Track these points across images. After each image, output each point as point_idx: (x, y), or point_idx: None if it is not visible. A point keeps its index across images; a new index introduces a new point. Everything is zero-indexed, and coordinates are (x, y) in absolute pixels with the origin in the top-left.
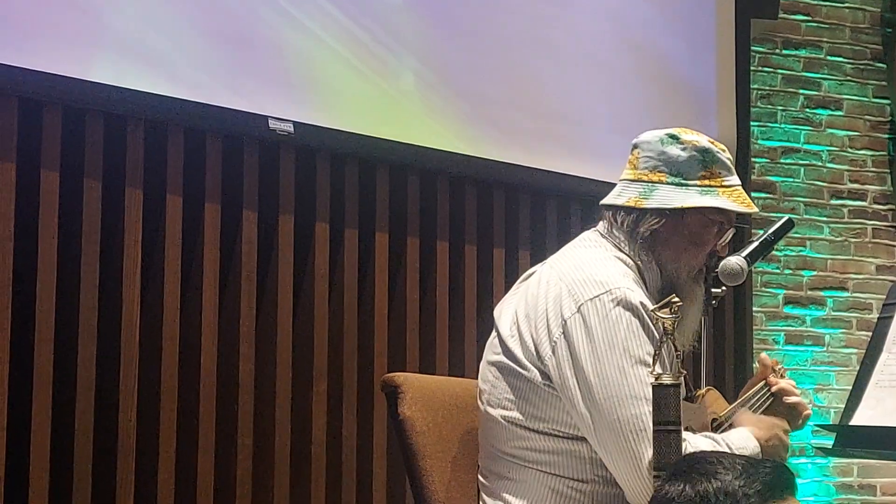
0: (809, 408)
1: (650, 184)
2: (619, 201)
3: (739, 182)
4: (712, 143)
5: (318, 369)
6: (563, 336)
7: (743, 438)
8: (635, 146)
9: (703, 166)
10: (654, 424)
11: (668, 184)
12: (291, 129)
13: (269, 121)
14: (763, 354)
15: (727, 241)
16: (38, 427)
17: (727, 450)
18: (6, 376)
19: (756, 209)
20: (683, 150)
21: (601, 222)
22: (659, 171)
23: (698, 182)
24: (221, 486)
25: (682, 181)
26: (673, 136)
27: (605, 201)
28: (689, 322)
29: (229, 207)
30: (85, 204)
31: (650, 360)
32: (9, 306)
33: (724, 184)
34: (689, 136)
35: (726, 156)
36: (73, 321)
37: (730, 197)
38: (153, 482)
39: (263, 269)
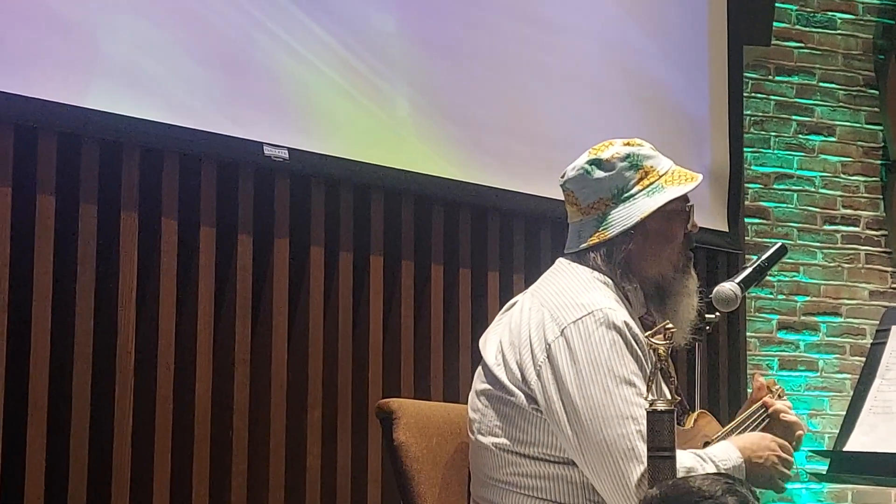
0: (805, 427)
1: (600, 214)
2: (584, 244)
3: (671, 161)
4: (627, 143)
5: (313, 394)
6: (547, 360)
7: (724, 451)
8: (566, 188)
9: (634, 170)
10: (648, 451)
11: (616, 206)
12: (286, 156)
13: (264, 147)
14: (758, 375)
15: (694, 220)
16: (34, 450)
17: (711, 465)
18: (2, 400)
19: (700, 176)
20: (610, 167)
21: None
22: (601, 200)
23: (639, 187)
24: None
25: (627, 195)
26: (592, 162)
27: (570, 250)
28: (684, 314)
29: (224, 233)
30: (80, 229)
31: (635, 380)
32: (4, 331)
33: (661, 174)
34: (605, 152)
35: (646, 147)
36: (68, 345)
37: (675, 182)
38: None
39: (258, 294)
